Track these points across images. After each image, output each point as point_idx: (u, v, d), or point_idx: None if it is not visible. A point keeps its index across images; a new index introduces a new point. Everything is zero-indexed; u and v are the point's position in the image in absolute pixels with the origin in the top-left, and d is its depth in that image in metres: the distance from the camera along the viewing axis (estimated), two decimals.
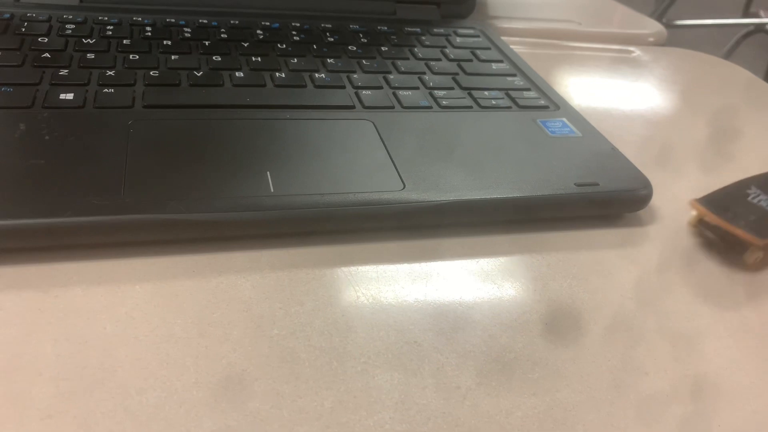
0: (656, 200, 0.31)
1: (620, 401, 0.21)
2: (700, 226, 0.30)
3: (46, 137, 0.27)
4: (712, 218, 0.28)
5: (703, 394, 0.22)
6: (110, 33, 0.36)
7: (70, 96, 0.29)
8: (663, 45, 0.55)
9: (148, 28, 0.37)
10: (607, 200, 0.29)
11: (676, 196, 0.33)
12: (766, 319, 0.26)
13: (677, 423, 0.21)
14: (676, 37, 0.57)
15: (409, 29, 0.43)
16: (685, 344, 0.24)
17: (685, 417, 0.21)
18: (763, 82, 0.49)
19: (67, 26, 0.36)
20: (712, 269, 0.28)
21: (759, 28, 1.88)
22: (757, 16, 1.91)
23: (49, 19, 0.37)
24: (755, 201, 0.28)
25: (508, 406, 0.20)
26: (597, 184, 0.29)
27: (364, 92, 0.34)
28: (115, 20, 0.38)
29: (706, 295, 0.26)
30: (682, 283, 0.27)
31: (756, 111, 0.44)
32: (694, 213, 0.29)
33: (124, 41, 0.35)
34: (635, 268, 0.27)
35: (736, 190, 0.29)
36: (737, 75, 0.50)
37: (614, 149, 0.32)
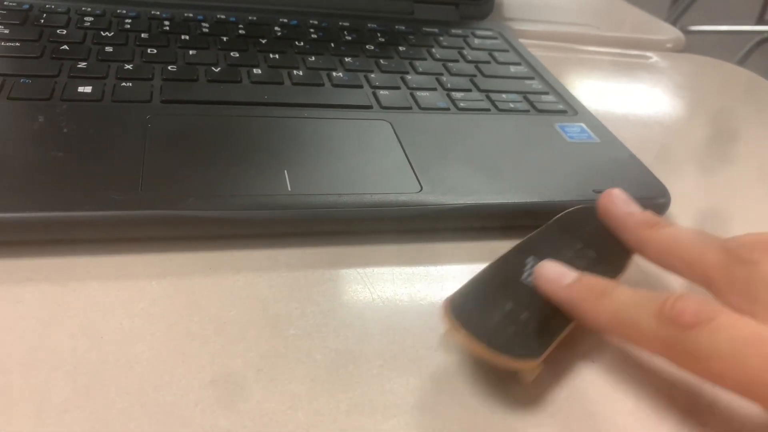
0: (674, 208, 0.31)
1: (636, 406, 0.21)
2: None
3: (65, 130, 0.27)
4: (460, 335, 0.20)
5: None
6: (128, 26, 0.36)
7: (88, 89, 0.29)
8: (681, 51, 0.55)
9: (166, 23, 0.37)
10: None
11: (694, 205, 0.32)
12: None
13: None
14: (690, 43, 0.57)
15: (427, 29, 0.43)
16: None
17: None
18: None
19: (86, 19, 0.36)
20: None
21: None
22: None
23: (67, 11, 0.37)
24: (528, 280, 0.22)
25: (524, 414, 0.20)
26: None
27: (381, 92, 0.34)
28: (134, 14, 0.38)
29: None
30: (697, 292, 0.27)
31: None
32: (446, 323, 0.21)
33: (142, 35, 0.35)
34: (652, 277, 0.27)
35: (509, 268, 0.23)
36: (755, 84, 0.50)
37: (632, 156, 0.32)
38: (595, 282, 0.21)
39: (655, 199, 0.30)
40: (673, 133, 0.40)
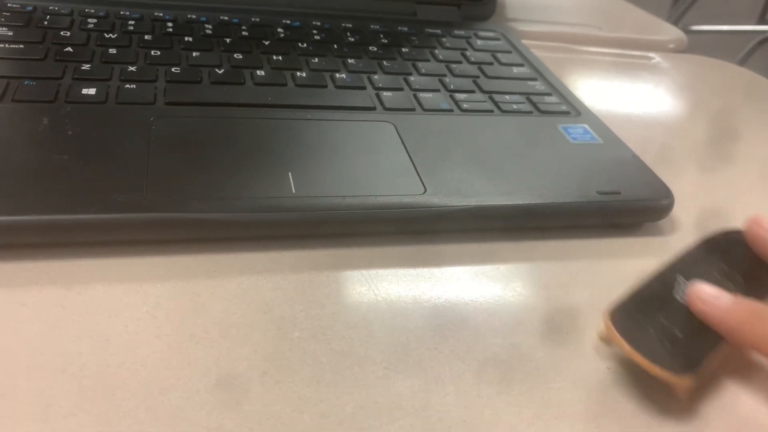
0: (677, 210, 0.31)
1: (641, 411, 0.21)
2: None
3: (69, 132, 0.27)
4: (623, 347, 0.21)
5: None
6: (132, 28, 0.36)
7: (92, 91, 0.29)
8: (683, 51, 0.55)
9: (170, 24, 0.37)
10: (628, 209, 0.29)
11: (697, 206, 0.32)
12: None
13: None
14: (691, 43, 0.57)
15: (430, 30, 0.43)
16: None
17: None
18: None
19: (89, 20, 0.36)
20: None
21: None
22: None
23: (71, 13, 0.37)
24: (682, 298, 0.23)
25: (529, 416, 0.20)
26: (619, 193, 0.29)
27: (384, 93, 0.34)
28: (137, 15, 0.38)
29: None
30: None
31: None
32: (603, 329, 0.22)
33: (146, 37, 0.35)
34: None
35: (661, 286, 0.24)
36: (756, 84, 0.50)
37: (636, 157, 0.32)
38: (754, 305, 0.22)
39: (659, 200, 0.30)
40: (676, 133, 0.40)
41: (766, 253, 0.25)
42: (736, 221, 0.32)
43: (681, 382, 0.21)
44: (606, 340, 0.22)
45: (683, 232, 0.30)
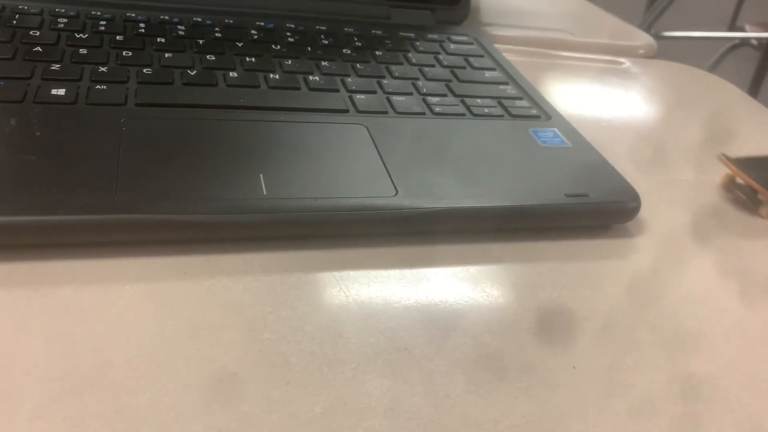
0: (644, 212, 0.32)
1: (609, 410, 0.21)
2: (730, 184, 0.35)
3: (37, 133, 0.26)
4: (736, 173, 0.34)
5: (695, 397, 0.22)
6: (103, 28, 0.36)
7: (61, 91, 0.29)
8: (653, 57, 0.56)
9: (142, 25, 0.37)
10: (596, 211, 0.30)
11: (664, 209, 0.33)
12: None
13: (667, 429, 0.21)
14: (663, 48, 0.58)
15: (404, 34, 0.44)
16: (675, 351, 0.24)
17: (677, 422, 0.21)
18: (748, 96, 0.50)
19: (60, 20, 0.36)
20: (703, 280, 0.28)
21: (744, 41, 1.90)
22: (742, 30, 1.94)
23: (41, 12, 0.36)
24: None
25: (497, 415, 0.21)
26: (587, 195, 0.30)
27: (357, 96, 0.34)
28: (108, 16, 0.37)
29: (696, 302, 0.27)
30: (668, 295, 0.27)
31: (741, 125, 0.45)
32: (726, 172, 0.35)
33: (117, 37, 0.35)
34: (622, 278, 0.28)
35: None
36: (724, 89, 0.51)
37: (604, 161, 0.33)
38: None
39: (626, 203, 0.30)
40: (644, 137, 0.41)
41: None
42: (703, 223, 0.32)
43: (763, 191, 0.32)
44: (726, 181, 0.35)
45: (650, 234, 0.31)
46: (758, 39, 1.85)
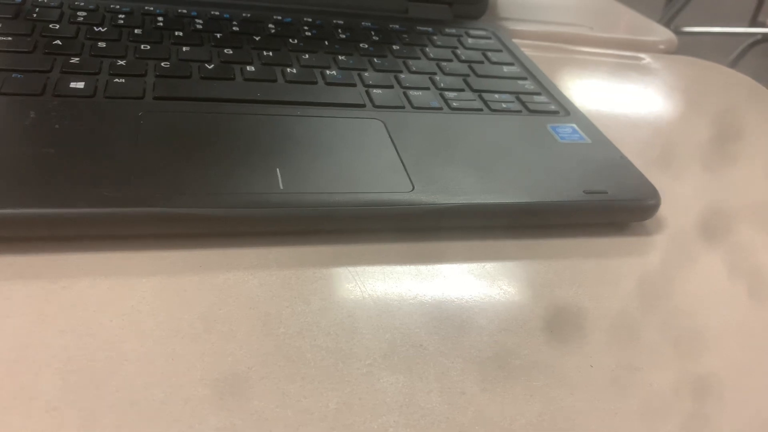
0: (663, 210, 0.31)
1: (624, 409, 0.21)
2: None
3: (56, 126, 0.27)
4: None
5: (706, 396, 0.22)
6: (122, 22, 0.36)
7: (80, 85, 0.29)
8: (673, 52, 0.55)
9: (160, 18, 0.37)
10: (615, 209, 0.29)
11: (683, 207, 0.33)
12: None
13: (681, 429, 0.21)
14: (683, 44, 0.57)
15: (421, 28, 0.43)
16: (689, 349, 0.24)
17: (687, 421, 0.21)
18: None
19: (79, 13, 0.36)
20: (718, 280, 0.28)
21: (765, 37, 1.87)
22: (764, 25, 1.91)
23: (60, 5, 0.36)
24: None
25: (513, 413, 0.21)
26: (605, 192, 0.29)
27: (374, 91, 0.34)
28: (127, 9, 0.37)
29: (711, 302, 0.26)
30: (684, 294, 0.27)
31: (761, 122, 0.44)
32: None
33: (136, 31, 0.35)
34: (640, 277, 0.27)
35: None
36: (745, 85, 0.50)
37: (623, 157, 0.32)
38: None
39: (645, 200, 0.30)
40: (664, 134, 0.40)
41: None
42: (724, 220, 0.32)
43: None
44: None
45: (669, 232, 0.31)
46: None
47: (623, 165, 0.32)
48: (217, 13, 0.39)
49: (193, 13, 0.39)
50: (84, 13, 0.36)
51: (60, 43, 0.33)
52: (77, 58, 0.31)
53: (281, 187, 0.26)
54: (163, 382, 0.20)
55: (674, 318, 0.25)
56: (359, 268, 0.25)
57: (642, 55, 0.53)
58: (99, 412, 0.18)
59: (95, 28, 0.35)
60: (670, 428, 0.21)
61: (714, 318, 0.26)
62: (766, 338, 0.25)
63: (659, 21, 0.61)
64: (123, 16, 0.37)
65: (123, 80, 0.30)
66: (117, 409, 0.19)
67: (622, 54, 0.52)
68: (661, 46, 0.55)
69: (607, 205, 0.29)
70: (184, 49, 0.34)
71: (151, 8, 0.38)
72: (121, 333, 0.21)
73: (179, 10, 0.38)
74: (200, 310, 0.22)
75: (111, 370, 0.20)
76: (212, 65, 0.33)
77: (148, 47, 0.34)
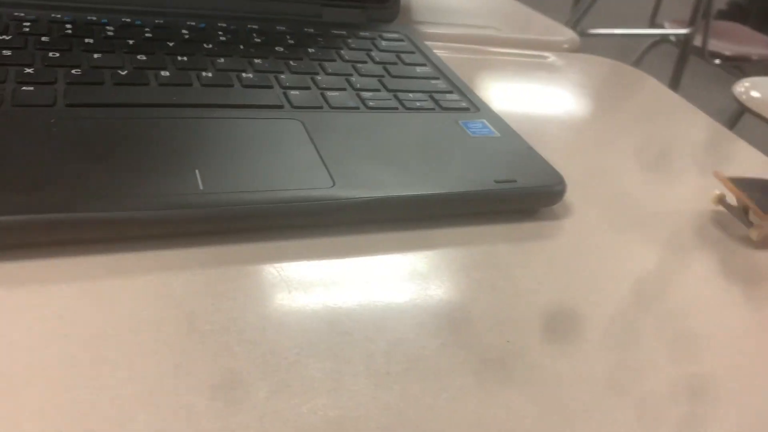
0: (570, 195, 0.33)
1: (538, 380, 0.23)
2: (719, 203, 0.34)
3: None
4: (730, 187, 0.33)
5: (611, 376, 0.24)
6: (27, 30, 0.35)
7: None
8: (576, 51, 0.58)
9: (68, 26, 0.36)
10: (524, 195, 0.31)
11: (588, 192, 0.35)
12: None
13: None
14: (590, 46, 0.61)
15: (336, 32, 0.44)
16: (592, 321, 0.26)
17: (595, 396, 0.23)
18: (667, 89, 0.53)
19: None
20: (619, 259, 0.30)
21: (664, 38, 2.00)
22: (661, 27, 2.04)
23: None
24: None
25: (436, 389, 0.22)
26: (515, 181, 0.31)
27: (292, 92, 0.35)
28: (32, 17, 0.37)
29: (623, 282, 0.29)
30: (592, 271, 0.29)
31: (659, 115, 0.47)
32: (716, 192, 0.34)
33: (43, 38, 0.35)
34: (552, 258, 0.29)
35: None
36: (643, 81, 0.54)
37: (530, 149, 0.34)
38: None
39: (552, 186, 0.32)
40: (568, 126, 0.43)
41: None
42: (622, 203, 0.35)
43: (760, 214, 0.31)
44: (717, 198, 0.34)
45: (576, 215, 0.33)
46: (676, 35, 1.94)
47: (531, 155, 0.34)
48: (128, 20, 0.39)
49: (104, 21, 0.38)
50: None
51: None
52: None
53: (201, 187, 0.26)
54: (90, 383, 0.20)
55: (579, 294, 0.27)
56: (284, 264, 0.26)
57: (547, 54, 0.56)
58: (22, 417, 0.18)
59: None
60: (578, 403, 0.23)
61: (618, 293, 0.28)
62: (669, 311, 0.28)
63: (566, 24, 0.65)
64: (28, 23, 0.36)
65: (32, 88, 0.30)
66: (41, 414, 0.18)
67: (529, 53, 0.55)
68: (565, 46, 0.58)
69: (517, 192, 0.31)
70: (96, 56, 0.34)
71: (58, 16, 0.37)
72: (43, 339, 0.21)
73: (88, 18, 0.38)
74: (124, 313, 0.22)
75: (33, 376, 0.19)
76: (125, 71, 0.33)
77: (57, 55, 0.33)
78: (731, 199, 0.34)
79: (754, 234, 0.32)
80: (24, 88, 0.30)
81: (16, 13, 0.36)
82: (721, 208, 0.35)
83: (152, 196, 0.25)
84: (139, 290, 0.23)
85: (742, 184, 0.33)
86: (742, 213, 0.33)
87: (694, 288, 0.29)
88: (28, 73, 0.31)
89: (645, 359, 0.24)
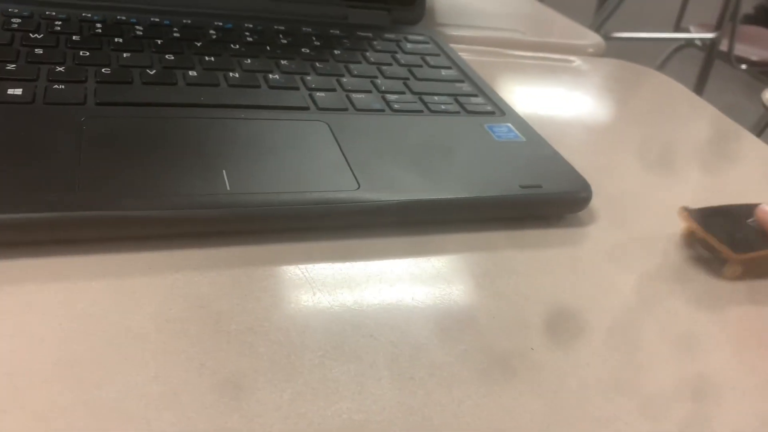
0: (595, 202, 0.33)
1: (563, 390, 0.23)
2: (689, 238, 0.32)
3: None
4: (696, 228, 0.30)
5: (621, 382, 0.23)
6: (58, 29, 0.36)
7: (18, 91, 0.29)
8: (601, 56, 0.58)
9: (98, 25, 0.37)
10: (549, 202, 0.31)
11: (614, 199, 0.35)
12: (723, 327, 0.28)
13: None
14: (614, 49, 0.60)
15: (361, 34, 0.44)
16: (622, 335, 0.25)
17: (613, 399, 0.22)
18: (692, 93, 0.52)
19: (13, 20, 0.35)
20: (655, 269, 0.30)
21: (689, 42, 1.98)
22: (687, 31, 2.01)
23: None
24: (753, 223, 0.30)
25: (460, 396, 0.22)
26: (540, 187, 0.31)
27: (318, 94, 0.35)
28: (64, 16, 0.37)
29: (646, 290, 0.28)
30: (619, 280, 0.29)
31: (685, 120, 0.47)
32: (684, 225, 0.31)
33: (74, 37, 0.35)
34: (576, 265, 0.29)
35: (741, 211, 0.31)
36: (669, 86, 0.53)
37: (556, 154, 0.34)
38: None
39: (578, 192, 0.32)
40: (594, 131, 0.42)
41: None
42: (649, 211, 0.34)
43: (730, 255, 0.29)
44: (686, 234, 0.31)
45: (601, 222, 0.33)
46: (701, 40, 1.92)
47: (556, 161, 0.34)
48: (156, 19, 0.39)
49: (133, 20, 0.38)
50: (18, 20, 0.35)
51: None
52: (13, 65, 0.31)
53: (228, 188, 0.26)
54: (117, 381, 0.20)
55: (605, 302, 0.27)
56: (309, 266, 0.26)
57: (572, 58, 0.55)
58: (51, 414, 0.18)
59: (31, 34, 0.34)
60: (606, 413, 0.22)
61: (646, 305, 0.28)
62: (684, 320, 0.27)
63: (590, 27, 0.64)
64: (60, 23, 0.36)
65: (63, 86, 0.30)
66: (71, 410, 0.19)
67: (553, 57, 0.55)
68: (590, 50, 0.58)
69: (542, 198, 0.31)
70: (125, 55, 0.34)
71: (89, 15, 0.38)
72: (72, 335, 0.21)
73: (118, 17, 0.38)
74: (151, 311, 0.22)
75: (62, 372, 0.20)
76: (154, 71, 0.33)
77: (88, 54, 0.34)
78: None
79: (728, 273, 0.29)
80: (55, 86, 0.30)
81: (47, 12, 0.37)
82: (692, 247, 0.32)
83: (181, 195, 0.25)
84: (166, 289, 0.23)
85: (708, 220, 0.30)
86: (713, 250, 0.30)
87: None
88: (60, 71, 0.31)
89: (655, 362, 0.24)
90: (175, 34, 0.38)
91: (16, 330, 0.21)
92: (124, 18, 0.38)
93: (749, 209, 0.31)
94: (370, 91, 0.37)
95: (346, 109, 0.34)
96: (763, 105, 0.94)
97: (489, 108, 0.38)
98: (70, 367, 0.20)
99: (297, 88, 0.35)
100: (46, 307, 0.22)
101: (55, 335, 0.21)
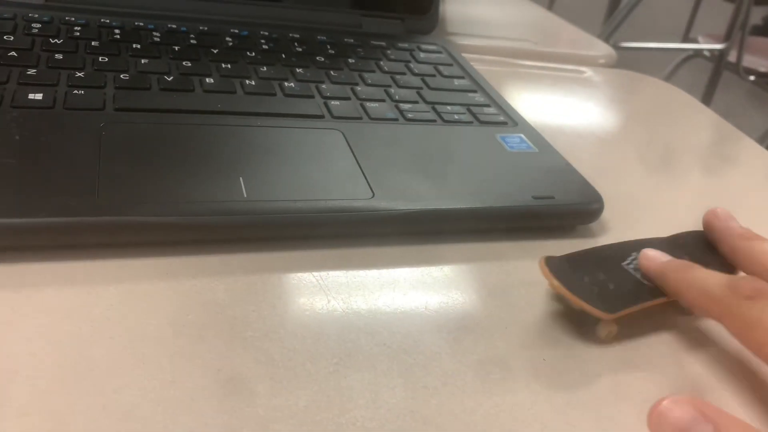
0: (607, 213, 0.33)
1: (576, 400, 0.23)
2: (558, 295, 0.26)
3: (16, 137, 0.27)
4: (557, 286, 0.25)
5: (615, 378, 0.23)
6: (78, 34, 0.36)
7: (39, 96, 0.29)
8: (612, 67, 0.58)
9: (117, 31, 0.37)
10: (561, 213, 0.31)
11: (626, 210, 0.35)
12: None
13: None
14: (622, 59, 0.61)
15: (375, 43, 0.45)
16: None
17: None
18: (702, 105, 0.53)
19: (33, 25, 0.36)
20: None
21: (697, 53, 1.98)
22: (695, 41, 2.01)
23: (14, 17, 0.36)
24: (629, 267, 0.26)
25: (472, 405, 0.22)
26: (552, 197, 0.31)
27: (332, 102, 0.35)
28: (83, 21, 0.38)
29: None
30: None
31: (696, 131, 0.47)
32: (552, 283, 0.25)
33: (93, 43, 0.35)
34: None
35: (616, 253, 0.27)
36: (679, 97, 0.53)
37: (568, 165, 0.34)
38: (685, 261, 0.26)
39: (590, 204, 0.32)
40: (605, 142, 0.42)
41: (717, 238, 0.28)
42: (660, 224, 0.34)
43: (599, 315, 0.24)
44: (555, 292, 0.26)
45: (613, 234, 0.33)
46: (710, 50, 1.91)
47: (568, 172, 0.34)
48: (174, 26, 0.40)
49: (150, 26, 0.39)
50: (38, 25, 0.36)
51: (15, 54, 0.32)
52: (34, 70, 0.31)
53: (245, 195, 0.26)
54: (134, 385, 0.20)
55: None
56: (323, 273, 0.26)
57: (583, 69, 0.56)
58: (70, 417, 0.19)
59: (51, 39, 0.35)
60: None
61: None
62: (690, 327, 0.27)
63: (598, 37, 0.64)
64: (79, 28, 0.37)
65: (82, 92, 0.30)
66: (89, 414, 0.19)
67: (565, 67, 0.55)
68: (601, 61, 0.58)
69: (555, 209, 0.31)
70: (143, 61, 0.35)
71: (108, 21, 0.38)
72: (90, 339, 0.21)
73: (136, 23, 0.39)
74: (168, 316, 0.23)
75: (81, 376, 0.20)
76: (171, 77, 0.34)
77: (106, 59, 0.34)
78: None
79: (602, 333, 0.25)
80: (75, 91, 0.30)
81: (67, 18, 0.37)
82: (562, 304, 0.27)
83: (198, 202, 0.25)
84: (183, 294, 0.24)
85: (572, 272, 0.25)
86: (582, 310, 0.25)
87: None
88: (79, 77, 0.32)
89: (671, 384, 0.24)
90: (191, 41, 0.38)
91: (36, 333, 0.21)
92: (141, 24, 0.39)
93: (623, 250, 0.27)
94: (383, 101, 0.37)
95: (360, 118, 0.34)
96: None
97: (501, 118, 0.38)
98: (89, 371, 0.20)
99: (312, 97, 0.35)
100: (64, 311, 0.22)
101: (74, 339, 0.21)
